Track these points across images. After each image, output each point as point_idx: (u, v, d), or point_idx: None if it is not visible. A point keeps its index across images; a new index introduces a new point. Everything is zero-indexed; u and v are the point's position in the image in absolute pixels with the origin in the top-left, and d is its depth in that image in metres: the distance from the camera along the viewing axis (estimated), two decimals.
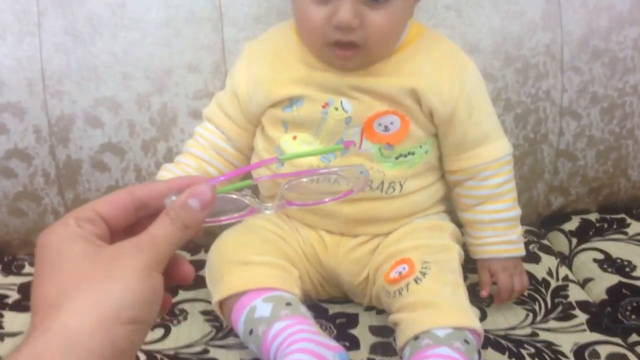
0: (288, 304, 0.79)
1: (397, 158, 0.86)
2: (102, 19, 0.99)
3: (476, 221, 0.92)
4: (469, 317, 0.78)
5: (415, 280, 0.81)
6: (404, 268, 0.83)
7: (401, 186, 0.87)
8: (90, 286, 0.44)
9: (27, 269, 1.03)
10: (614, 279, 1.00)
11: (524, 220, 1.15)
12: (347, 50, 0.80)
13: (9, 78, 0.98)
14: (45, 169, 1.02)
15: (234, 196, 0.53)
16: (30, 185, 1.03)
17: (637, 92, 1.09)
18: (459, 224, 0.95)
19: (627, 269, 1.01)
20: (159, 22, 1.00)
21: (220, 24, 1.01)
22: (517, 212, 0.92)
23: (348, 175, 0.58)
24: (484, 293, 0.92)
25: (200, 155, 0.93)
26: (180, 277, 0.51)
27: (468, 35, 1.03)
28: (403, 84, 0.84)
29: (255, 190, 0.83)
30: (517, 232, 0.92)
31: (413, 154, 0.87)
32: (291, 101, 0.86)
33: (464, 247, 0.93)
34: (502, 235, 0.91)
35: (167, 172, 0.92)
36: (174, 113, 1.01)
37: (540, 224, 1.18)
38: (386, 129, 0.85)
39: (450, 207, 0.96)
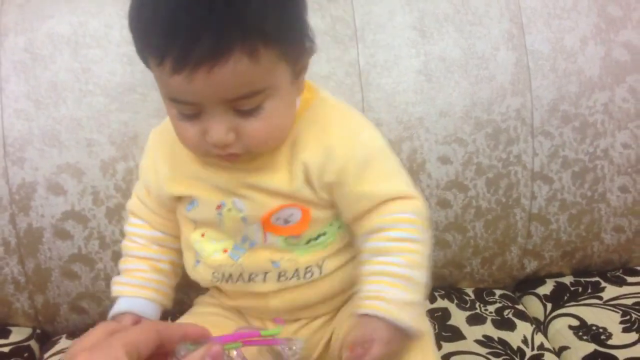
0: None
1: (307, 243, 0.80)
2: (66, 84, 0.97)
3: (368, 273, 0.76)
4: None
5: None
6: None
7: (320, 268, 0.81)
8: None
9: None
10: (589, 347, 0.97)
11: (498, 284, 1.15)
12: (231, 157, 0.74)
13: None
14: (5, 238, 0.99)
15: None
16: None
17: (608, 156, 1.08)
18: None
19: (603, 337, 0.99)
20: (125, 87, 0.98)
21: None
22: (411, 272, 0.74)
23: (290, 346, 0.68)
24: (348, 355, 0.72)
25: (148, 255, 0.87)
26: None
27: (438, 100, 1.03)
28: (294, 172, 0.76)
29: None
30: (408, 295, 0.74)
31: (325, 234, 0.80)
32: (189, 200, 0.82)
33: None
34: (384, 291, 0.74)
35: (123, 287, 0.85)
36: None
37: (514, 287, 1.17)
38: (286, 221, 0.78)
39: None
